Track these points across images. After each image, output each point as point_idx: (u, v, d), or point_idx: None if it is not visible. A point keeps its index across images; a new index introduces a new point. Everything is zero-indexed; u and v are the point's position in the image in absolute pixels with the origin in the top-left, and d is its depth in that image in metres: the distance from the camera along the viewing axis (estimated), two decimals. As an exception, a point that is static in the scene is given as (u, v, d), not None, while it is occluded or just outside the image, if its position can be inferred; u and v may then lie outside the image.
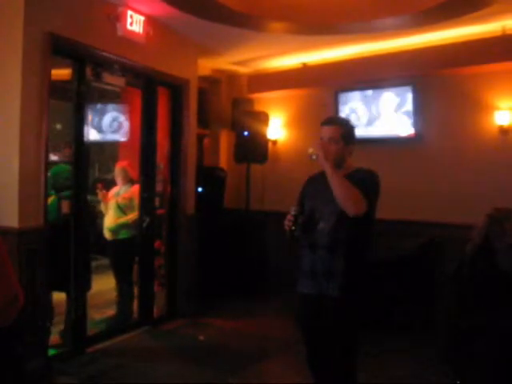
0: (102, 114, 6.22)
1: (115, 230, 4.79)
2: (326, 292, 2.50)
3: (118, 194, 4.87)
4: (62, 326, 4.15)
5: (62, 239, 3.93)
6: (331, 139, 2.52)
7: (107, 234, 4.84)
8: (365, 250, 2.57)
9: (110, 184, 5.17)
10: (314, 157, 2.46)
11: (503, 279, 2.65)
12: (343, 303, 2.47)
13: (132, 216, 4.80)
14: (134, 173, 4.93)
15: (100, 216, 5.06)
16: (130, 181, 4.89)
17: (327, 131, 2.55)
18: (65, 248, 3.94)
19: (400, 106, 5.54)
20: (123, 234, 4.80)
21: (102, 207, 4.93)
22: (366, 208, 2.41)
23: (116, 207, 4.80)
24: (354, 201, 2.39)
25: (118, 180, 4.93)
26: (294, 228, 2.52)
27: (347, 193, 2.39)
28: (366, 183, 2.47)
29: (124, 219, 4.79)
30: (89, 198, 4.38)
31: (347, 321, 2.48)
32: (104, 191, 4.90)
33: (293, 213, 2.53)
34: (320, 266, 2.52)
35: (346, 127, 2.59)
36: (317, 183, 2.66)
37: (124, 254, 4.83)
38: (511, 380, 2.68)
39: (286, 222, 2.54)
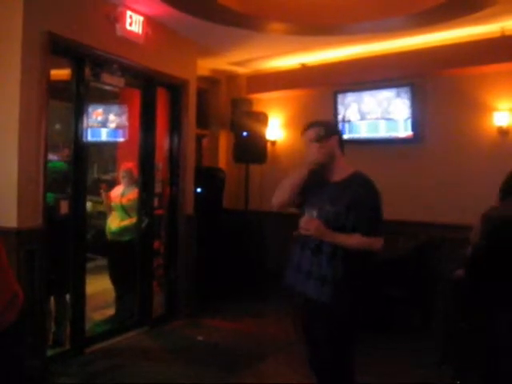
0: (101, 114, 6.21)
1: (119, 233, 4.79)
2: (311, 293, 2.46)
3: (122, 195, 4.86)
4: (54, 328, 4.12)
5: (60, 240, 3.91)
6: (310, 141, 2.55)
7: (110, 236, 4.84)
8: (358, 258, 2.43)
9: (110, 185, 5.17)
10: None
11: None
12: (329, 310, 2.40)
13: (135, 219, 4.79)
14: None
15: (101, 217, 5.04)
16: (134, 182, 4.88)
17: (306, 136, 2.59)
18: (63, 249, 3.93)
19: (398, 106, 5.55)
20: (126, 237, 4.79)
21: (104, 208, 4.91)
22: (379, 237, 2.43)
23: (120, 208, 4.80)
24: (371, 247, 2.42)
25: (124, 181, 4.91)
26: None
27: (360, 246, 2.41)
28: (371, 215, 2.42)
29: (128, 222, 4.78)
30: (89, 198, 4.36)
31: (333, 328, 2.42)
32: (107, 192, 4.90)
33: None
34: (305, 265, 2.51)
35: (321, 126, 2.58)
36: (320, 178, 2.60)
37: (125, 256, 4.82)
38: (511, 380, 2.68)
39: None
